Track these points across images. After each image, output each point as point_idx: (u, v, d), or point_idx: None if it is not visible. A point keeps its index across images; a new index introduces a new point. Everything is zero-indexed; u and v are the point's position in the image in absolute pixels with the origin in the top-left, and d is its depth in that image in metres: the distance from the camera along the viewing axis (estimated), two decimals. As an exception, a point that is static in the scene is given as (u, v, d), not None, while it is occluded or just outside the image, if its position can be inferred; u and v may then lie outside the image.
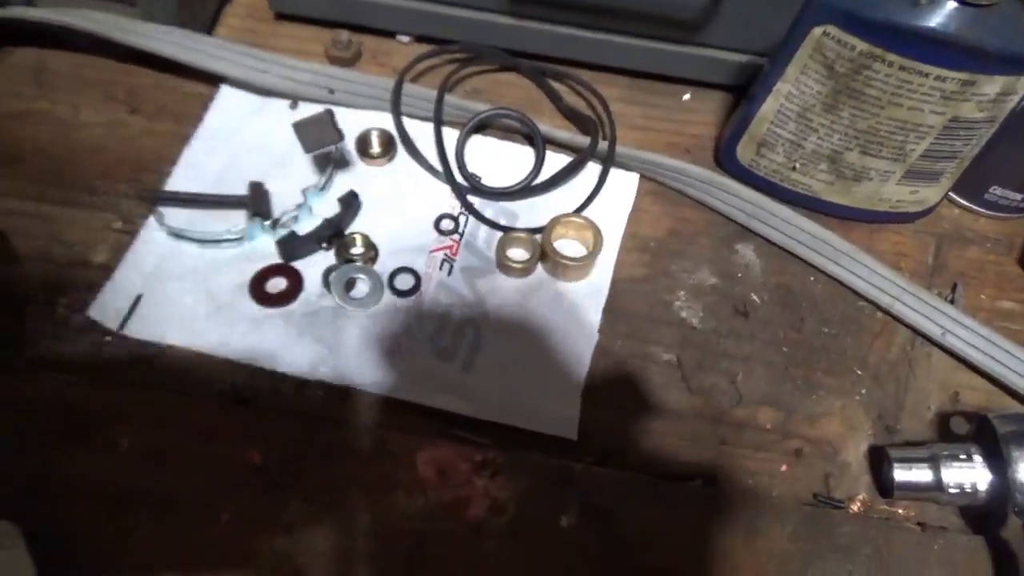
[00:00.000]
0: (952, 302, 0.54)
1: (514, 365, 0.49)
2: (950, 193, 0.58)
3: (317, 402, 0.47)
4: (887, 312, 0.53)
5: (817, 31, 0.47)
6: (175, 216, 0.52)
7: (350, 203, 0.53)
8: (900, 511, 0.46)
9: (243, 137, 0.57)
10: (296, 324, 0.49)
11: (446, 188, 0.56)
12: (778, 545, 0.45)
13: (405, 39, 0.63)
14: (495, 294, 0.52)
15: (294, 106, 0.58)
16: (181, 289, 0.50)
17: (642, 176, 0.58)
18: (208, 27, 0.62)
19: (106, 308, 0.49)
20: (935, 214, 0.58)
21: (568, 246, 0.53)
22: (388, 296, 0.51)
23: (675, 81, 0.62)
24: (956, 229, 0.58)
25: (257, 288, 0.50)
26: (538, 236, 0.53)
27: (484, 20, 0.59)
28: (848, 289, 0.54)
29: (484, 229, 0.54)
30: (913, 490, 0.45)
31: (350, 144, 0.56)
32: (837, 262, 0.54)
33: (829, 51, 0.48)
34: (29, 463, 0.44)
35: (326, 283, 0.50)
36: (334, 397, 0.47)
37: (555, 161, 0.57)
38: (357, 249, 0.52)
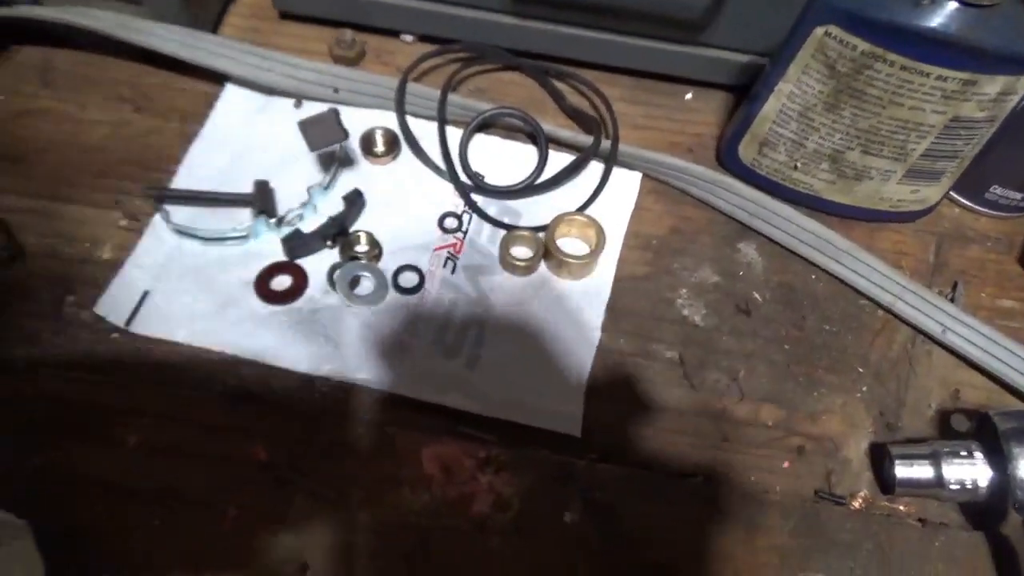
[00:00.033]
0: (953, 300, 0.54)
1: (518, 362, 0.49)
2: (950, 192, 0.58)
3: (322, 399, 0.48)
4: (888, 310, 0.54)
5: (819, 31, 0.48)
6: (181, 214, 0.52)
7: (354, 201, 0.53)
8: (901, 507, 0.47)
9: (248, 135, 0.57)
10: (301, 321, 0.49)
11: (450, 187, 0.56)
12: (780, 541, 0.45)
13: (409, 38, 0.63)
14: (498, 292, 0.52)
15: (298, 105, 0.59)
16: (187, 286, 0.50)
17: (644, 175, 0.58)
18: (213, 26, 0.62)
19: (113, 305, 0.49)
20: (936, 213, 0.58)
21: (571, 244, 0.54)
22: (392, 294, 0.51)
23: (677, 81, 0.63)
24: (957, 228, 0.59)
25: (262, 285, 0.50)
26: (541, 234, 0.53)
27: (487, 20, 0.60)
28: (849, 287, 0.54)
29: (487, 227, 0.55)
30: (914, 487, 0.45)
31: (354, 143, 0.56)
32: (839, 261, 0.54)
33: (831, 51, 0.48)
34: (36, 459, 0.44)
35: (331, 281, 0.51)
36: (339, 394, 0.48)
37: (558, 160, 0.58)
38: (361, 247, 0.52)
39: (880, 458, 0.47)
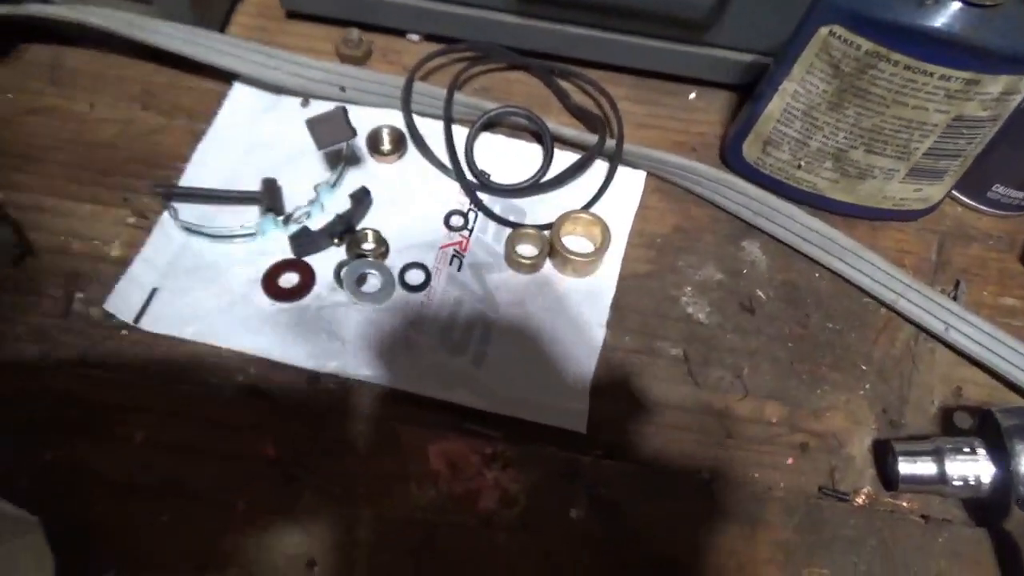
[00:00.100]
0: (955, 299, 0.55)
1: (523, 359, 0.50)
2: (953, 191, 0.59)
3: (329, 396, 0.48)
4: (891, 308, 0.54)
5: (823, 31, 0.48)
6: (189, 211, 0.53)
7: (361, 199, 0.53)
8: (904, 504, 0.47)
9: (255, 134, 0.57)
10: (308, 319, 0.50)
11: (456, 185, 0.56)
12: (784, 537, 0.45)
13: (415, 38, 0.64)
14: (504, 289, 0.52)
15: (306, 103, 0.59)
16: (195, 283, 0.51)
17: (648, 174, 0.58)
18: (221, 25, 0.63)
19: (121, 302, 0.49)
20: (938, 212, 0.59)
21: (576, 242, 0.54)
22: (399, 291, 0.51)
23: (681, 80, 0.63)
24: (959, 227, 0.59)
25: (270, 283, 0.51)
26: (546, 232, 0.54)
27: (493, 19, 0.60)
28: (853, 286, 0.55)
29: (493, 225, 0.55)
30: (917, 483, 0.45)
31: (361, 141, 0.56)
32: (842, 259, 0.55)
33: (835, 50, 0.48)
34: (45, 456, 0.45)
35: (338, 278, 0.51)
36: (345, 391, 0.48)
37: (563, 159, 0.58)
38: (368, 245, 0.52)
39: (883, 455, 0.48)
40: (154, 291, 0.50)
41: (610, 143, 0.58)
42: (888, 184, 0.54)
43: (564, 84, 0.62)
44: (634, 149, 0.58)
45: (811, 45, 0.49)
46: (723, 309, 0.53)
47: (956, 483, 0.45)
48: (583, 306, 0.52)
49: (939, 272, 0.57)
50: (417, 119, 0.58)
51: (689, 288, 0.54)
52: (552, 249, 0.53)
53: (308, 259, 0.52)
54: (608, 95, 0.61)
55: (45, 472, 0.44)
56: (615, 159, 0.58)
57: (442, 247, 0.54)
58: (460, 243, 0.54)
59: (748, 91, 0.59)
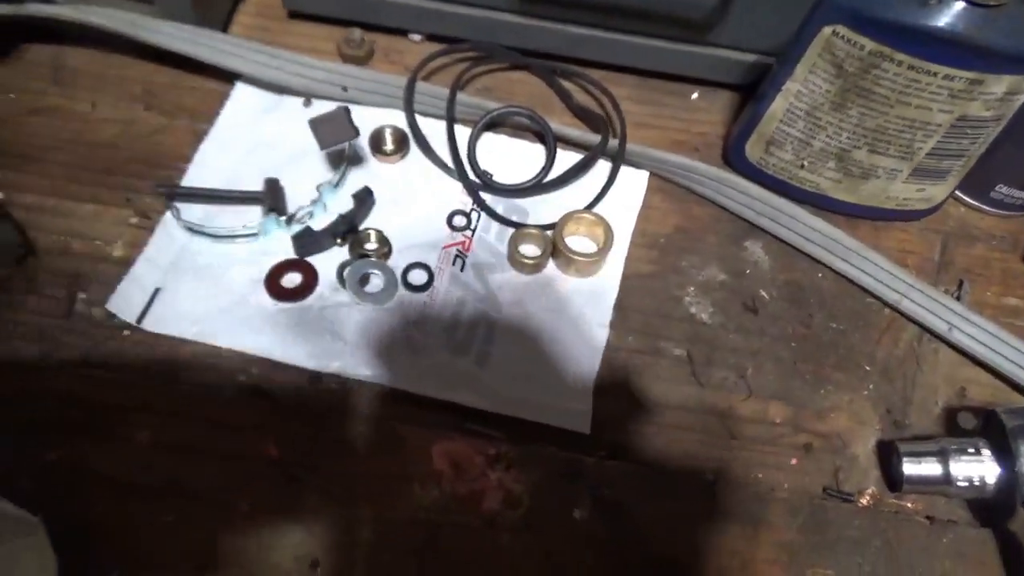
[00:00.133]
0: (958, 299, 0.55)
1: (527, 360, 0.49)
2: (956, 191, 0.59)
3: (332, 396, 0.48)
4: (894, 308, 0.54)
5: (827, 30, 0.48)
6: (191, 211, 0.53)
7: (364, 199, 0.53)
8: (909, 505, 0.47)
9: (258, 134, 0.57)
10: (311, 319, 0.50)
11: (458, 185, 0.56)
12: (788, 538, 0.45)
13: (417, 38, 0.64)
14: (507, 289, 0.52)
15: (308, 103, 0.59)
16: (198, 284, 0.50)
17: (651, 173, 0.58)
18: (223, 25, 0.63)
19: (124, 302, 0.49)
20: (941, 212, 0.59)
21: (579, 242, 0.54)
22: (402, 291, 0.51)
23: (684, 80, 0.63)
24: (962, 227, 0.59)
25: (272, 283, 0.51)
26: (550, 232, 0.54)
27: (495, 19, 0.60)
28: (856, 286, 0.55)
29: (496, 225, 0.55)
30: (922, 483, 0.45)
31: (363, 141, 0.56)
32: (845, 259, 0.54)
33: (838, 50, 0.48)
34: (47, 456, 0.45)
35: (340, 278, 0.51)
36: (348, 391, 0.48)
37: (565, 159, 0.58)
38: (371, 245, 0.52)
39: (888, 455, 0.48)
40: (156, 291, 0.50)
41: (612, 143, 0.58)
42: (891, 184, 0.54)
43: (566, 84, 0.62)
44: (637, 149, 0.58)
45: (814, 45, 0.49)
46: (726, 309, 0.53)
47: (961, 484, 0.45)
48: (586, 306, 0.52)
49: (942, 272, 0.57)
50: (420, 119, 0.58)
51: (692, 288, 0.54)
52: (555, 249, 0.53)
53: (311, 259, 0.52)
54: (610, 95, 0.61)
55: (47, 472, 0.44)
56: (618, 159, 0.58)
57: (445, 247, 0.53)
58: (463, 243, 0.54)
59: (750, 91, 0.59)
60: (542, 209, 0.56)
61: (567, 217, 0.54)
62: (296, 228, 0.52)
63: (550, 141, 0.58)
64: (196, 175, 0.55)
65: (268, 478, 0.45)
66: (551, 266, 0.54)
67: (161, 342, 0.49)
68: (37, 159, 0.55)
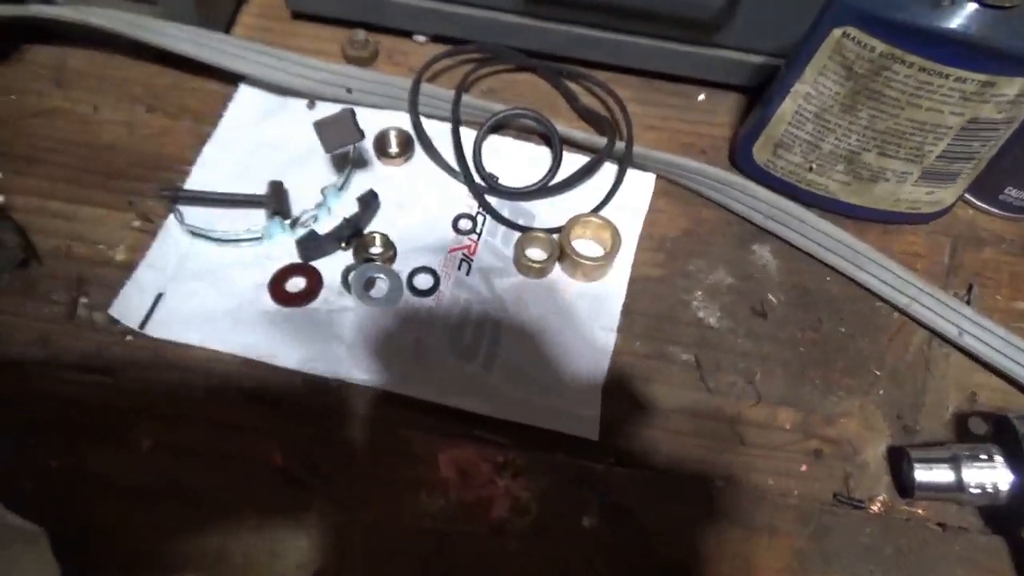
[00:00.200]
0: (968, 303, 0.54)
1: (534, 365, 0.49)
2: (965, 194, 0.58)
3: (337, 401, 0.47)
4: (904, 312, 0.53)
5: (837, 32, 0.47)
6: (194, 215, 0.52)
7: (369, 202, 0.53)
8: (920, 511, 0.46)
9: (261, 136, 0.57)
10: (316, 324, 0.49)
11: (464, 188, 0.56)
12: (799, 545, 0.45)
13: (421, 39, 0.63)
14: (513, 294, 0.52)
15: (311, 105, 0.58)
16: (201, 288, 0.50)
17: (657, 176, 0.58)
18: (226, 26, 0.62)
19: (127, 307, 0.49)
20: (950, 215, 0.58)
21: (586, 246, 0.54)
22: (407, 296, 0.51)
23: (690, 82, 0.62)
24: (971, 230, 0.58)
25: (276, 287, 0.50)
26: (556, 236, 0.53)
27: (500, 20, 0.60)
28: (864, 289, 0.54)
29: (502, 229, 0.55)
30: (934, 490, 0.45)
31: (368, 143, 0.56)
32: (854, 263, 0.54)
33: (848, 52, 0.48)
34: (50, 461, 0.44)
35: (345, 283, 0.51)
36: (354, 397, 0.47)
37: (571, 161, 0.57)
38: (376, 248, 0.52)
39: (898, 461, 0.47)
40: (159, 296, 0.49)
41: (619, 145, 0.57)
42: (901, 187, 0.54)
43: (572, 86, 0.62)
44: (643, 152, 0.57)
45: (824, 47, 0.48)
46: (734, 313, 0.53)
47: (973, 491, 0.44)
48: (593, 311, 0.52)
49: (951, 276, 0.56)
50: (424, 121, 0.58)
51: (700, 292, 0.53)
52: (562, 253, 0.52)
53: (315, 263, 0.51)
54: (617, 97, 0.60)
55: (49, 476, 0.44)
56: (625, 162, 0.57)
57: (450, 251, 0.53)
58: (469, 247, 0.53)
59: (757, 93, 0.58)
60: (548, 212, 0.56)
61: (574, 221, 0.53)
62: (300, 232, 0.52)
63: (556, 143, 0.57)
64: (199, 178, 0.54)
65: (273, 485, 0.44)
66: (557, 270, 0.53)
67: (164, 347, 0.48)
68: (39, 161, 0.54)
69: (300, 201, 0.54)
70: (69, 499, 0.43)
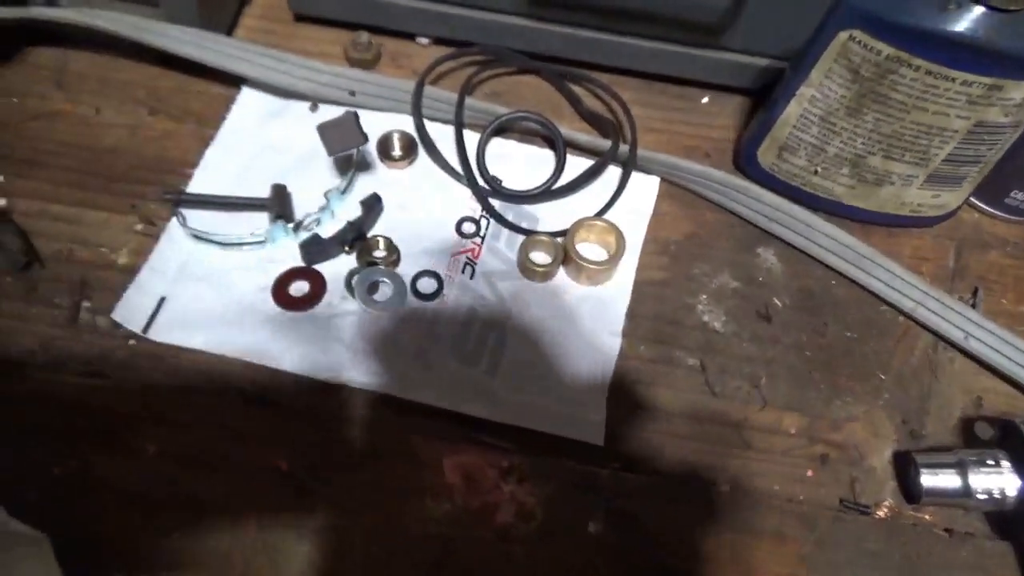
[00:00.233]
0: (974, 306, 0.54)
1: (538, 370, 0.49)
2: (970, 197, 0.58)
3: (341, 406, 0.47)
4: (909, 316, 0.53)
5: (843, 35, 0.47)
6: (197, 218, 0.52)
7: (373, 206, 0.53)
8: (927, 517, 0.46)
9: (264, 139, 0.56)
10: (319, 328, 0.49)
11: (467, 191, 0.56)
12: (806, 551, 0.45)
13: (424, 41, 0.63)
14: (518, 298, 0.52)
15: (314, 108, 0.58)
16: (204, 292, 0.50)
17: (661, 179, 0.58)
18: (228, 28, 0.62)
19: (130, 311, 0.48)
20: (955, 218, 0.58)
21: (590, 250, 0.53)
22: (411, 300, 0.51)
23: (693, 84, 0.62)
24: (976, 233, 0.58)
25: (280, 291, 0.50)
26: (560, 239, 0.53)
27: (503, 22, 0.59)
28: (870, 293, 0.54)
29: (506, 232, 0.54)
30: (941, 496, 0.45)
31: (371, 146, 0.56)
32: (859, 266, 0.54)
33: (855, 55, 0.47)
34: (54, 467, 0.44)
35: (349, 286, 0.50)
36: (358, 401, 0.47)
37: (575, 164, 0.57)
38: (380, 252, 0.52)
39: (905, 467, 0.47)
40: (162, 300, 0.49)
41: (623, 148, 0.57)
42: (906, 190, 0.54)
43: (576, 88, 0.61)
44: (647, 155, 0.57)
45: (830, 50, 0.48)
46: (739, 317, 0.53)
47: (980, 496, 0.44)
48: (598, 315, 0.51)
49: (956, 279, 0.56)
50: (428, 124, 0.57)
51: (704, 296, 0.53)
52: (566, 256, 0.52)
53: (318, 267, 0.51)
54: (620, 99, 0.60)
55: (53, 482, 0.43)
56: (629, 165, 0.57)
57: (454, 255, 0.53)
58: (472, 250, 0.53)
59: (761, 95, 0.58)
60: (552, 215, 0.55)
61: (578, 224, 0.53)
62: (304, 235, 0.51)
63: (560, 146, 0.57)
64: (202, 181, 0.54)
65: (278, 490, 0.44)
66: (561, 274, 0.53)
67: (168, 352, 0.48)
68: (41, 164, 0.54)
69: (303, 204, 0.53)
70: (72, 505, 0.43)
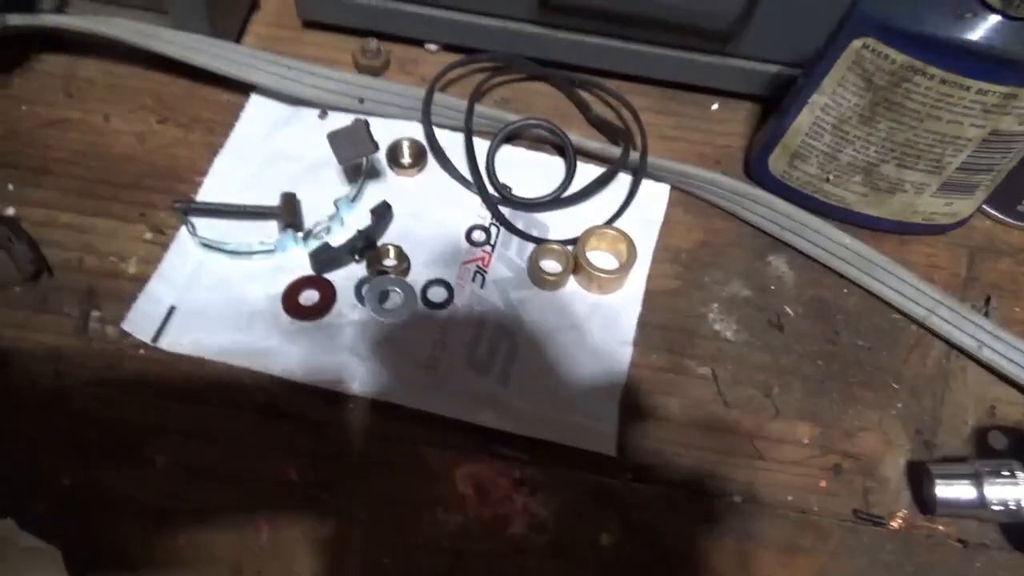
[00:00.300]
0: (986, 315, 0.54)
1: (550, 379, 0.48)
2: (982, 205, 0.58)
3: (351, 416, 0.47)
4: (922, 325, 0.53)
5: (856, 43, 0.47)
6: (207, 227, 0.52)
7: (383, 214, 0.52)
8: (941, 528, 0.46)
9: (273, 146, 0.56)
10: (329, 337, 0.49)
11: (477, 199, 0.55)
12: (820, 562, 0.44)
13: (433, 48, 0.63)
14: (529, 306, 0.51)
15: (323, 115, 0.58)
16: (214, 301, 0.49)
17: (672, 187, 0.57)
18: (237, 35, 0.62)
19: (139, 320, 0.48)
20: (967, 226, 0.58)
21: (601, 258, 0.53)
22: (421, 308, 0.50)
23: (703, 91, 0.62)
24: (988, 241, 0.58)
25: (290, 300, 0.50)
26: (571, 248, 0.53)
27: (513, 29, 0.59)
28: (882, 302, 0.54)
29: (516, 240, 0.54)
30: (956, 507, 0.44)
31: (381, 154, 0.55)
32: (871, 274, 0.53)
33: (868, 64, 0.47)
34: (64, 478, 0.44)
35: (359, 295, 0.50)
36: (369, 411, 0.47)
37: (585, 172, 0.57)
38: (390, 261, 0.51)
39: (919, 477, 0.47)
40: (172, 309, 0.49)
41: (633, 156, 0.57)
42: (919, 198, 0.53)
43: (585, 95, 0.61)
44: (658, 162, 0.57)
45: (843, 58, 0.48)
46: (751, 326, 0.52)
47: (996, 507, 0.44)
48: (609, 324, 0.51)
49: (969, 288, 0.56)
50: (437, 131, 0.57)
51: (716, 305, 0.53)
52: (576, 265, 0.52)
53: (328, 276, 0.51)
54: (631, 106, 0.60)
55: (63, 495, 0.43)
56: (640, 172, 0.57)
57: (464, 263, 0.52)
58: (482, 259, 0.53)
59: (771, 102, 0.58)
60: (562, 223, 0.55)
61: (589, 232, 0.53)
62: (313, 244, 0.51)
63: (570, 154, 0.57)
64: (211, 189, 0.54)
65: (289, 501, 0.44)
66: (572, 282, 0.53)
67: (177, 361, 0.48)
68: (49, 173, 0.54)
69: (313, 213, 0.53)
70: (81, 516, 0.43)
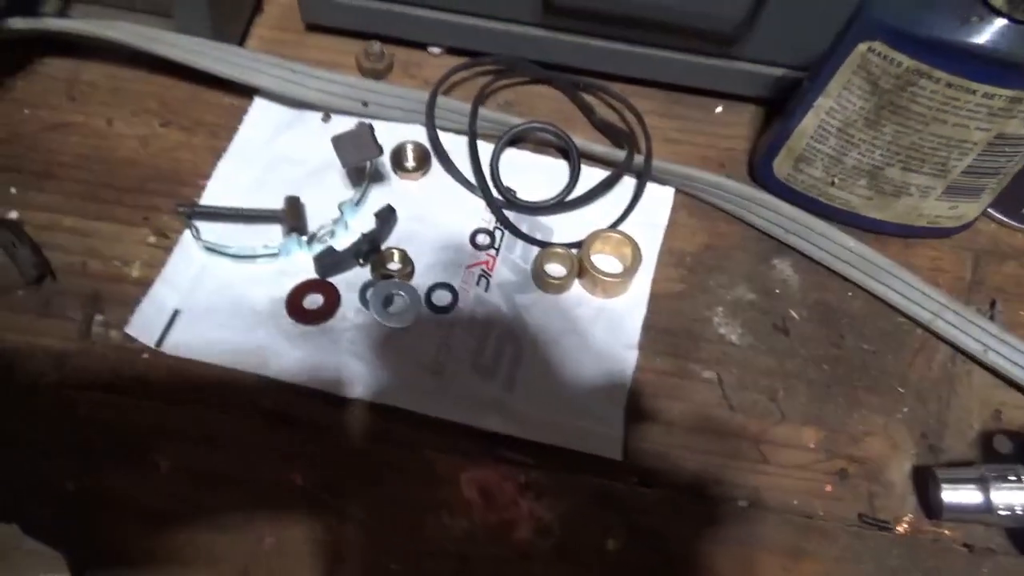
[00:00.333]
0: (992, 318, 0.53)
1: (555, 383, 0.48)
2: (987, 208, 0.58)
3: (356, 421, 0.47)
4: (927, 328, 0.53)
5: (862, 47, 0.47)
6: (210, 230, 0.51)
7: (387, 218, 0.52)
8: (947, 532, 0.46)
9: (277, 150, 0.56)
10: (334, 341, 0.49)
11: (481, 202, 0.55)
12: (826, 567, 0.44)
13: (436, 51, 0.63)
14: (533, 310, 0.51)
15: (327, 119, 0.58)
16: (218, 305, 0.49)
17: (676, 190, 0.57)
18: (240, 39, 0.61)
19: (143, 324, 0.48)
20: (972, 229, 0.58)
21: (606, 262, 0.53)
22: (426, 312, 0.50)
23: (707, 94, 0.62)
24: (993, 244, 0.58)
25: (294, 304, 0.50)
26: (575, 251, 0.53)
27: (517, 32, 0.59)
28: (887, 305, 0.54)
29: (520, 244, 0.54)
30: (962, 511, 0.44)
31: (384, 158, 0.55)
32: (876, 278, 0.53)
33: (874, 67, 0.47)
34: (69, 484, 0.43)
35: (363, 299, 0.50)
36: (373, 416, 0.47)
37: (590, 175, 0.57)
38: (394, 265, 0.51)
39: (924, 481, 0.47)
40: (176, 313, 0.49)
41: (638, 159, 0.57)
42: (924, 202, 0.53)
43: (589, 98, 0.61)
44: (662, 165, 0.57)
45: (849, 62, 0.48)
46: (756, 330, 0.52)
47: (1002, 512, 0.44)
48: (613, 327, 0.51)
49: (974, 291, 0.55)
50: (441, 135, 0.57)
51: (721, 308, 0.53)
52: (581, 269, 0.52)
53: (332, 280, 0.51)
54: (635, 110, 0.60)
55: (67, 500, 0.43)
56: (644, 176, 0.57)
57: (469, 267, 0.52)
58: (487, 262, 0.53)
59: (776, 105, 0.58)
60: (566, 226, 0.55)
61: (593, 236, 0.53)
62: (317, 248, 0.51)
63: (574, 157, 0.57)
64: (214, 193, 0.54)
65: (294, 506, 0.44)
66: (577, 286, 0.53)
67: (181, 366, 0.47)
68: (53, 176, 0.54)
69: (317, 216, 0.53)
70: (87, 522, 0.43)
